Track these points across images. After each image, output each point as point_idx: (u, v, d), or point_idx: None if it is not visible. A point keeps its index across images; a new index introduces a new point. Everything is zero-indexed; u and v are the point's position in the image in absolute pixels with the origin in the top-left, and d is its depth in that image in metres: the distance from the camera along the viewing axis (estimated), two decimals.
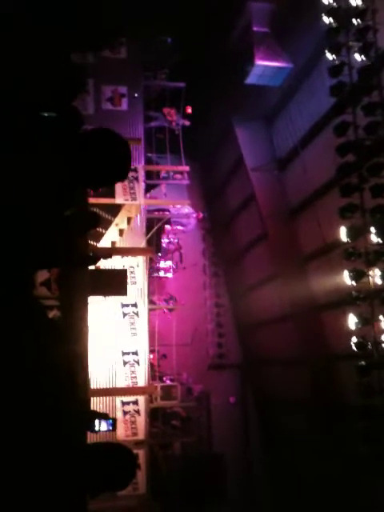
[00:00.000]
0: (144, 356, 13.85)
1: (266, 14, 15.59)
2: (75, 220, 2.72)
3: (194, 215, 17.79)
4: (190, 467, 16.78)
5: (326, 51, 12.53)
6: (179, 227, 17.82)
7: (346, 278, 12.22)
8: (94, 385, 12.75)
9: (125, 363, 13.62)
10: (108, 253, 10.71)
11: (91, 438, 8.81)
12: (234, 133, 18.10)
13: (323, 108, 13.63)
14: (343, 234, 12.30)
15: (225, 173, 20.08)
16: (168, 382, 16.13)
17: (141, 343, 13.86)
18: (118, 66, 15.15)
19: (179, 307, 17.58)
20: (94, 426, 8.17)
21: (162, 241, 17.20)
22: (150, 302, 15.50)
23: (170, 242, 17.42)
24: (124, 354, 13.65)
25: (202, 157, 20.63)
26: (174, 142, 16.29)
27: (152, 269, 16.79)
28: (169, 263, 17.53)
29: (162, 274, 17.60)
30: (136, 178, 13.80)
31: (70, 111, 2.50)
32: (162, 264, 17.46)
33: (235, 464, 18.35)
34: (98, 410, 11.63)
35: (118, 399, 13.43)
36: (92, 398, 12.18)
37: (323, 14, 12.55)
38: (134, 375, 13.62)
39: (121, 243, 14.07)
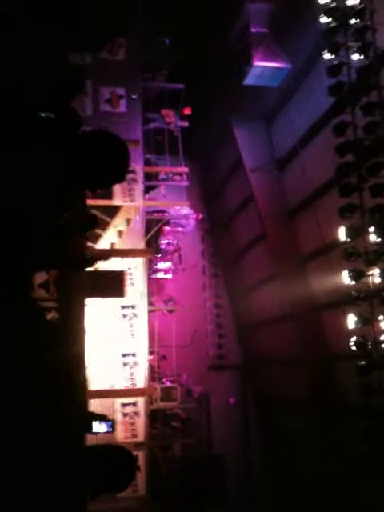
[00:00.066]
0: (143, 357, 13.83)
1: (264, 14, 15.60)
2: (74, 221, 2.72)
3: (193, 216, 17.78)
4: (190, 468, 16.76)
5: (325, 51, 12.54)
6: (179, 228, 17.81)
7: (346, 278, 12.22)
8: (93, 386, 12.73)
9: (124, 365, 13.60)
10: (107, 254, 10.72)
11: (91, 440, 8.79)
12: (233, 133, 18.11)
13: (322, 108, 13.64)
14: (342, 233, 12.31)
15: (224, 173, 20.09)
16: (168, 383, 16.11)
17: (140, 345, 13.84)
18: (117, 68, 15.14)
19: (179, 308, 17.56)
20: (92, 427, 8.17)
21: (161, 242, 17.19)
22: (150, 303, 15.48)
23: (169, 244, 17.40)
24: (123, 355, 13.63)
25: (201, 158, 20.64)
26: (173, 143, 16.29)
27: (151, 270, 16.78)
28: (168, 264, 17.51)
29: (161, 275, 17.59)
30: (135, 180, 13.79)
31: (69, 112, 2.50)
32: (161, 265, 17.44)
33: (235, 465, 18.34)
34: (96, 412, 11.61)
35: (118, 401, 13.40)
36: (91, 400, 12.16)
37: (321, 14, 12.56)
38: (133, 377, 13.60)
39: (120, 245, 14.06)
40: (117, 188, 13.25)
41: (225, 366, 20.41)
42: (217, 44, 16.69)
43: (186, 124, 16.29)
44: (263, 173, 17.13)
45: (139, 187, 13.94)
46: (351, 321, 12.15)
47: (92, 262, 6.94)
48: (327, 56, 12.51)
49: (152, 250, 15.47)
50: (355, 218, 12.11)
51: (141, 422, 13.41)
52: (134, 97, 14.93)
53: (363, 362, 12.00)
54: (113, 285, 10.87)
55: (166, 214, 16.90)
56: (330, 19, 12.49)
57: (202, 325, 20.42)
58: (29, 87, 2.08)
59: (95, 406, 12.74)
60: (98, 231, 12.60)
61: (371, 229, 11.85)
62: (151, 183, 16.17)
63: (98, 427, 8.11)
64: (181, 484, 16.14)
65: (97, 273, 10.90)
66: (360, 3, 12.04)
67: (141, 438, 13.40)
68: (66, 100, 2.48)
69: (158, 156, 16.50)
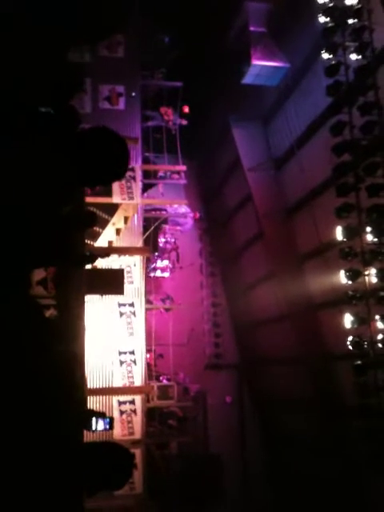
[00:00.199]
0: (141, 355, 13.84)
1: (262, 13, 15.61)
2: (72, 219, 2.72)
3: (191, 215, 17.79)
4: (187, 467, 16.78)
5: (323, 51, 12.55)
6: (177, 227, 17.82)
7: (343, 278, 12.25)
8: (90, 384, 12.74)
9: (121, 363, 13.61)
10: (105, 252, 10.71)
11: (88, 437, 8.80)
12: (231, 132, 18.11)
13: (319, 108, 13.65)
14: (339, 233, 12.33)
15: (222, 172, 20.10)
16: (165, 381, 16.13)
17: (137, 343, 13.85)
18: (116, 65, 15.13)
19: (176, 307, 17.58)
20: (91, 424, 8.18)
21: (159, 240, 17.19)
22: (147, 301, 15.49)
23: (166, 242, 17.41)
24: (121, 353, 13.64)
25: (200, 156, 20.64)
26: (172, 141, 16.29)
27: (149, 268, 16.78)
28: (166, 263, 17.52)
29: (158, 273, 17.59)
30: (133, 178, 13.79)
31: (68, 110, 2.50)
32: (159, 263, 17.45)
33: (232, 462, 18.36)
34: (95, 409, 11.62)
35: (115, 399, 13.42)
36: (89, 398, 12.16)
37: (319, 14, 12.57)
38: (130, 375, 13.61)
39: (118, 242, 14.06)
40: (115, 186, 13.25)
41: (222, 365, 20.43)
42: (215, 43, 16.69)
43: (184, 122, 16.30)
44: (261, 172, 17.14)
45: (138, 185, 13.94)
46: (348, 320, 12.19)
47: (91, 260, 6.94)
48: (325, 56, 12.53)
49: (150, 248, 15.48)
50: (352, 217, 12.13)
51: (138, 420, 13.43)
52: (133, 94, 14.93)
53: (359, 362, 12.04)
54: (112, 282, 10.87)
55: (164, 213, 16.91)
56: (328, 19, 12.51)
57: (199, 323, 20.43)
58: (28, 85, 2.09)
59: (92, 403, 12.76)
60: (96, 229, 12.60)
61: (368, 229, 11.87)
62: (149, 181, 16.18)
63: (97, 424, 8.12)
64: (178, 482, 16.16)
65: (95, 270, 10.91)
66: (358, 3, 12.05)
67: (138, 435, 13.42)
68: (65, 98, 2.49)
69: (157, 154, 16.50)
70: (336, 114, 12.36)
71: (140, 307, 14.05)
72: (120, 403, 13.38)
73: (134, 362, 13.67)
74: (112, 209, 13.60)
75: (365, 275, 11.97)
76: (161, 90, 16.50)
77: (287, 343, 16.39)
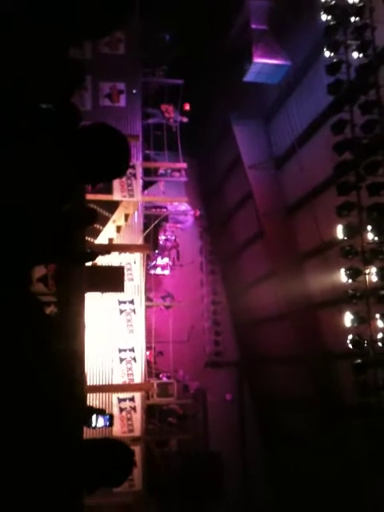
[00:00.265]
0: (141, 353, 13.85)
1: (264, 11, 15.57)
2: (73, 216, 2.72)
3: (192, 212, 17.78)
4: (186, 464, 16.81)
5: (324, 49, 12.53)
6: (177, 225, 17.81)
7: (343, 276, 12.25)
8: (90, 381, 12.75)
9: (121, 360, 13.62)
10: (105, 249, 10.72)
11: (88, 434, 8.81)
12: (232, 130, 18.08)
13: (321, 106, 13.63)
14: (340, 232, 12.33)
15: (222, 170, 20.08)
16: (164, 379, 16.14)
17: (137, 340, 13.86)
18: (117, 63, 15.10)
19: (176, 304, 17.59)
20: (91, 421, 8.20)
21: (160, 238, 17.19)
22: (147, 299, 15.50)
23: (167, 240, 17.41)
24: (120, 350, 13.65)
25: (200, 154, 20.62)
26: (172, 138, 16.27)
27: (149, 266, 16.78)
28: (166, 260, 17.52)
29: (159, 271, 17.59)
30: (134, 175, 13.78)
31: (68, 107, 2.49)
32: (159, 261, 17.45)
33: (231, 460, 18.38)
34: (94, 406, 11.63)
35: (115, 396, 13.43)
36: (88, 395, 12.18)
37: (321, 12, 12.54)
38: (130, 372, 13.63)
39: (118, 240, 14.06)
40: (116, 183, 13.24)
41: (221, 363, 20.44)
42: (217, 40, 16.67)
43: (185, 120, 16.28)
44: (262, 170, 17.13)
45: (138, 183, 13.93)
46: (348, 319, 12.19)
47: (91, 257, 6.93)
48: (327, 54, 12.50)
49: (150, 245, 15.48)
50: (353, 216, 12.13)
51: (137, 417, 13.45)
52: (134, 92, 14.90)
53: (359, 361, 12.04)
54: (112, 279, 10.86)
55: (164, 210, 16.90)
56: (330, 17, 12.49)
57: (199, 321, 20.43)
58: (28, 82, 2.08)
59: (92, 400, 12.78)
60: (97, 226, 12.59)
61: (369, 227, 11.87)
62: (150, 179, 16.16)
63: (97, 421, 8.14)
64: (177, 480, 16.19)
65: (96, 267, 10.90)
66: (360, 1, 12.03)
67: (137, 433, 13.44)
68: (66, 95, 2.48)
69: (157, 152, 16.49)
70: (337, 112, 12.35)
71: (140, 304, 14.06)
72: (120, 400, 13.40)
73: (134, 359, 13.68)
74: (112, 206, 13.59)
75: (365, 274, 11.97)
76: (162, 88, 16.47)
77: (287, 342, 16.39)
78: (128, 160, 2.14)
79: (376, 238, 11.83)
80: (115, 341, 13.66)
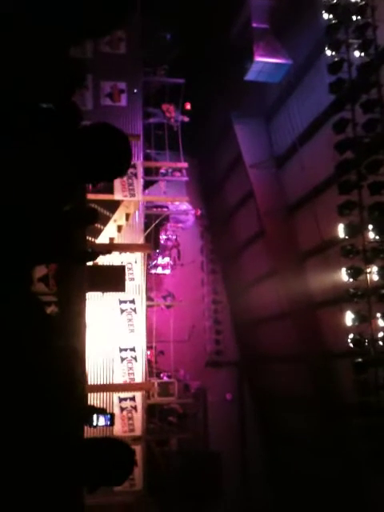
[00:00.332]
0: (141, 352, 13.85)
1: (265, 10, 15.56)
2: (74, 215, 2.72)
3: (193, 212, 17.78)
4: (187, 464, 16.82)
5: (326, 48, 12.52)
6: (178, 224, 17.81)
7: (344, 276, 12.25)
8: (91, 381, 12.75)
9: (122, 359, 13.63)
10: (106, 249, 10.72)
11: (89, 433, 8.82)
12: (233, 129, 18.07)
13: (322, 105, 13.62)
14: (341, 231, 12.33)
15: (223, 169, 20.07)
16: (165, 378, 16.15)
17: (138, 339, 13.86)
18: (118, 62, 15.08)
19: (177, 304, 17.59)
20: (93, 420, 8.21)
21: (161, 237, 17.19)
22: (148, 298, 15.49)
23: (168, 239, 17.41)
24: (121, 350, 13.65)
25: (201, 153, 20.61)
26: (173, 138, 16.26)
27: (150, 265, 16.78)
28: (167, 260, 17.52)
29: (159, 270, 17.59)
30: (135, 175, 13.77)
31: (69, 106, 2.49)
32: (160, 260, 17.45)
33: (231, 460, 18.40)
34: (95, 406, 11.64)
35: (116, 395, 13.44)
36: (89, 394, 12.18)
37: (323, 11, 12.53)
38: (131, 371, 13.63)
39: (119, 239, 14.06)
40: (117, 182, 13.24)
41: (222, 363, 20.45)
42: (218, 39, 16.65)
43: (186, 119, 16.26)
44: (263, 169, 17.12)
45: (139, 182, 13.92)
46: (349, 318, 12.19)
47: (92, 257, 6.93)
48: (328, 53, 12.49)
49: (151, 245, 15.47)
50: (354, 215, 12.13)
51: (138, 417, 13.45)
52: (135, 91, 14.89)
53: (360, 360, 12.05)
54: (113, 279, 10.86)
55: (165, 210, 16.90)
56: (332, 16, 12.47)
57: (200, 321, 20.44)
58: (29, 82, 2.07)
59: (93, 400, 12.78)
60: (98, 226, 12.60)
61: (370, 226, 11.87)
62: (151, 178, 16.15)
63: (98, 420, 8.16)
64: (178, 479, 16.21)
65: (97, 267, 10.90)
66: (361, 0, 12.01)
67: (138, 432, 13.44)
68: (67, 94, 2.47)
69: (158, 151, 16.48)
70: (339, 111, 12.34)
71: (141, 304, 14.06)
72: (120, 400, 13.40)
73: (135, 358, 13.69)
74: (113, 206, 13.59)
75: (366, 273, 11.97)
76: (163, 87, 16.45)
77: (288, 341, 16.39)
78: (129, 159, 2.14)
79: (377, 237, 11.83)
80: (116, 340, 13.66)
